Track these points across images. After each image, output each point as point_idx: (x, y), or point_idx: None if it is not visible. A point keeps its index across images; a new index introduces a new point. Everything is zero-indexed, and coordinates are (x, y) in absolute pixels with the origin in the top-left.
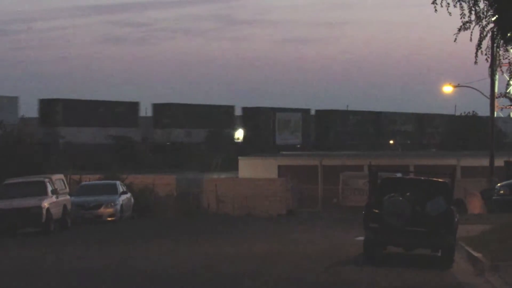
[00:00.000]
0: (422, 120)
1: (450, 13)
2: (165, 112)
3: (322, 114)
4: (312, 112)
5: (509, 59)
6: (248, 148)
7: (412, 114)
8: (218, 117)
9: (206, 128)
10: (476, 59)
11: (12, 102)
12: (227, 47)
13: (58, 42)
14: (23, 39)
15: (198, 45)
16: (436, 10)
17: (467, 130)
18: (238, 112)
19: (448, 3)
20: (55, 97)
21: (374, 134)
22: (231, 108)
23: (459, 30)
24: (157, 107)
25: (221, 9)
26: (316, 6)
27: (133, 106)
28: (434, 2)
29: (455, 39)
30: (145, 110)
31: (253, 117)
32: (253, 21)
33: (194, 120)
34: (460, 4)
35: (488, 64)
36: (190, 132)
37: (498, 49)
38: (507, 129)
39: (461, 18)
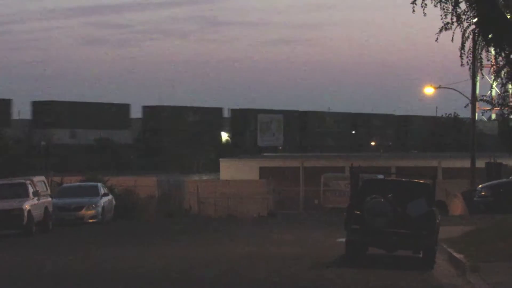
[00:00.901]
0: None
1: (425, 14)
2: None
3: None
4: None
5: (490, 61)
6: (231, 149)
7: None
8: (109, 117)
9: (96, 129)
10: (462, 62)
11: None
12: (209, 49)
13: (38, 44)
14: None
15: (179, 47)
16: (414, 10)
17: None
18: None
19: (426, 4)
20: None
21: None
22: (125, 107)
23: (441, 30)
24: (37, 105)
25: (202, 10)
26: (297, 8)
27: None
28: (413, 2)
29: (437, 39)
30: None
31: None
32: (235, 23)
33: (81, 120)
34: (441, 5)
35: (469, 67)
36: (75, 133)
37: (479, 51)
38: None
39: (441, 19)
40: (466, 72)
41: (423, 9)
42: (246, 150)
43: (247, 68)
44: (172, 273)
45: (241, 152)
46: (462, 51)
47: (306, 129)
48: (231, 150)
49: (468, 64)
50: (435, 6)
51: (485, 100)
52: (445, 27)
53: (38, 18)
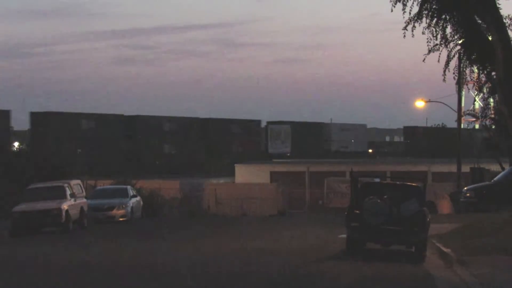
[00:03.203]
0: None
1: (413, 35)
2: None
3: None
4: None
5: (472, 79)
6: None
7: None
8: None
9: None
10: (444, 78)
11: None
12: (226, 67)
13: (75, 63)
14: (43, 61)
15: (200, 66)
16: (405, 36)
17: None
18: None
19: (415, 26)
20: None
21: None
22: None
23: (429, 51)
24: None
25: (220, 33)
26: (303, 31)
27: None
28: (405, 28)
29: (424, 59)
30: None
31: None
32: (249, 44)
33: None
34: (429, 29)
35: (455, 82)
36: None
37: (464, 69)
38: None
39: (427, 42)
40: (452, 87)
41: (412, 33)
42: (257, 158)
43: (260, 84)
44: (196, 265)
45: (252, 158)
46: (447, 69)
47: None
48: (245, 157)
49: (454, 79)
50: (423, 31)
51: (470, 113)
52: (433, 48)
53: (76, 40)
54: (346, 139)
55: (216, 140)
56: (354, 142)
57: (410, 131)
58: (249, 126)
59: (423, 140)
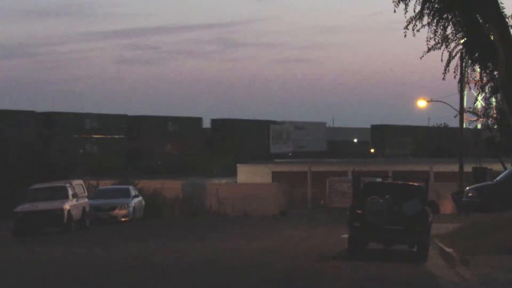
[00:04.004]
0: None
1: (414, 34)
2: None
3: (375, 128)
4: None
5: (474, 78)
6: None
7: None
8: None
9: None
10: (444, 77)
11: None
12: (226, 67)
13: (77, 63)
14: (47, 61)
15: (200, 66)
16: (405, 35)
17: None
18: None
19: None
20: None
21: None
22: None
23: (429, 50)
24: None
25: (222, 33)
26: (305, 31)
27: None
28: (406, 27)
29: (422, 56)
30: None
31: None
32: (250, 44)
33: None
34: (430, 28)
35: (457, 81)
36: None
37: (466, 68)
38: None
39: (427, 41)
40: (454, 86)
41: (413, 33)
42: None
43: (261, 84)
44: (201, 263)
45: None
46: (447, 68)
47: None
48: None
49: (455, 78)
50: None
51: (471, 111)
52: (434, 47)
53: (77, 40)
54: (301, 139)
55: (147, 139)
56: (312, 141)
57: (378, 130)
58: (188, 124)
59: (391, 138)
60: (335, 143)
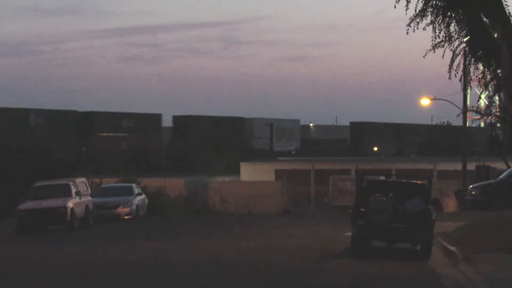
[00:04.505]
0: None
1: (414, 31)
2: None
3: (354, 126)
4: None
5: (478, 76)
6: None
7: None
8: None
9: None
10: (449, 76)
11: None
12: (229, 65)
13: (81, 60)
14: (49, 59)
15: (204, 63)
16: (407, 33)
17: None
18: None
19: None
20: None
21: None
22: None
23: (433, 48)
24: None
25: (225, 31)
26: (307, 29)
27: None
28: (408, 25)
29: (425, 55)
30: None
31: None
32: (253, 42)
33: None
34: (434, 26)
35: (459, 79)
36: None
37: (469, 66)
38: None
39: (432, 40)
40: (457, 85)
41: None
42: (262, 156)
43: (264, 82)
44: (204, 262)
45: (257, 156)
46: (451, 67)
47: (360, 137)
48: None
49: (456, 76)
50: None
51: (475, 110)
52: (437, 45)
53: (81, 38)
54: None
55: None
56: (285, 139)
57: (356, 128)
58: (145, 121)
59: (371, 136)
60: (309, 141)
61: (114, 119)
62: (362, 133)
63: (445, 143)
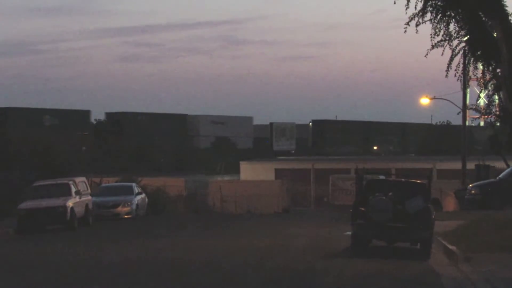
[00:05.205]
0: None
1: (417, 31)
2: None
3: (316, 124)
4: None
5: (476, 76)
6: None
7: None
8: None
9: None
10: (447, 74)
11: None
12: (231, 64)
13: (81, 60)
14: (49, 58)
15: (205, 63)
16: (405, 31)
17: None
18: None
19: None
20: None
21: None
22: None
23: (432, 47)
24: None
25: (224, 31)
26: (307, 28)
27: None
28: (407, 24)
29: (426, 54)
30: None
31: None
32: (253, 42)
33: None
34: (433, 25)
35: (457, 79)
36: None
37: (468, 65)
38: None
39: (431, 38)
40: (457, 84)
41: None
42: (262, 155)
43: (264, 82)
44: (204, 262)
45: (257, 156)
46: (450, 66)
47: (321, 135)
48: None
49: (455, 76)
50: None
51: (474, 108)
52: (437, 44)
53: (80, 38)
54: (220, 135)
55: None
56: (236, 138)
57: (318, 125)
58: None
59: (331, 134)
60: (262, 139)
61: (34, 115)
62: (322, 131)
63: (445, 143)
